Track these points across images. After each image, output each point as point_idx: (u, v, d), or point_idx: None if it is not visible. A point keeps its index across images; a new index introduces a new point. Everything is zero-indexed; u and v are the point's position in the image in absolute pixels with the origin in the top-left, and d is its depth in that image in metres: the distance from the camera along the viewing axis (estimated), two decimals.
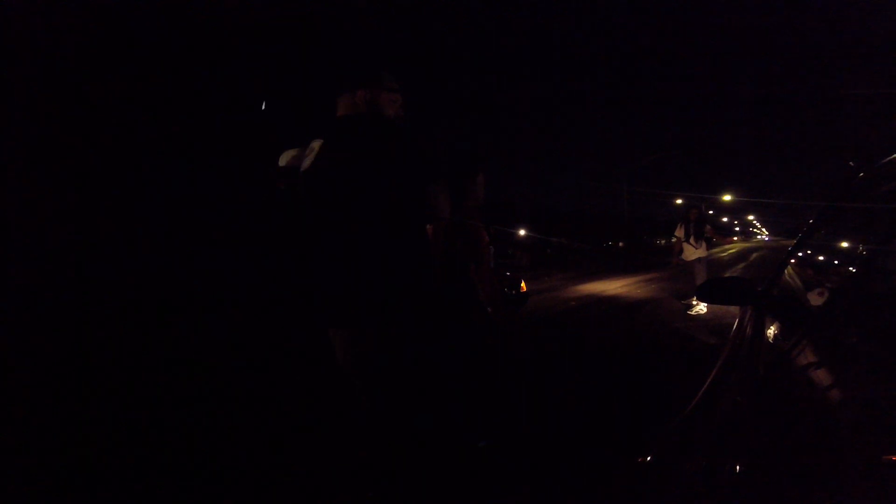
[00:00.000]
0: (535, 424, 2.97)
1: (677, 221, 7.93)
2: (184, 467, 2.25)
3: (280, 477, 2.20)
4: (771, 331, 1.40)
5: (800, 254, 1.90)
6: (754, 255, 30.49)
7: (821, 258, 1.79)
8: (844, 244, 1.56)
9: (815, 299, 1.43)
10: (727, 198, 36.56)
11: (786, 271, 1.86)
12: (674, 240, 8.01)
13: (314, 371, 3.18)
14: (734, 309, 2.01)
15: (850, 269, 1.37)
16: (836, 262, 1.62)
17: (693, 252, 7.44)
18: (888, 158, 1.27)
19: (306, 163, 1.77)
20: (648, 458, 1.24)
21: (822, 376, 1.09)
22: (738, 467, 0.97)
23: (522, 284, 6.33)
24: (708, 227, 7.58)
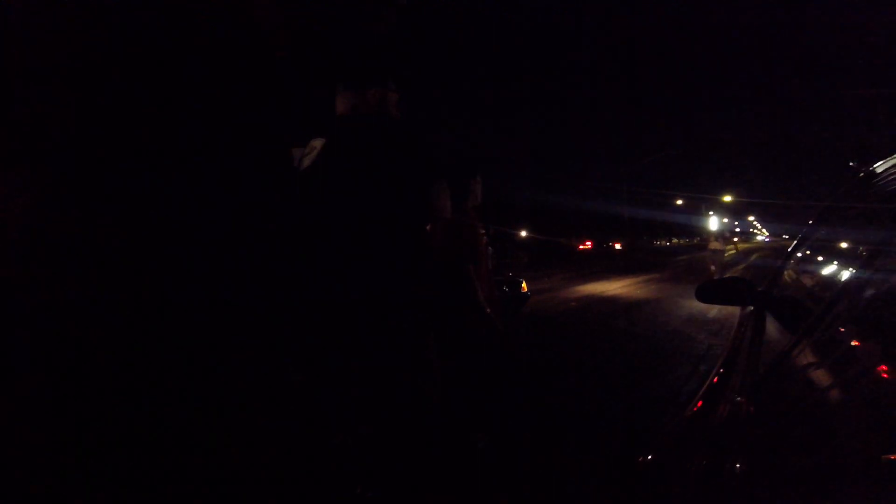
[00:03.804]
0: (536, 424, 2.97)
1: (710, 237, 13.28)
2: (182, 467, 2.25)
3: (279, 477, 2.20)
4: (771, 331, 1.40)
5: (799, 255, 1.90)
6: (754, 255, 30.53)
7: (820, 259, 1.79)
8: (844, 244, 1.56)
9: (813, 303, 1.43)
10: (727, 198, 36.58)
11: (785, 273, 1.86)
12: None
13: (311, 372, 3.18)
14: (733, 310, 2.01)
15: (851, 269, 1.37)
16: (835, 262, 1.62)
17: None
18: (888, 159, 1.27)
19: (306, 161, 1.76)
20: (648, 459, 1.24)
21: (822, 376, 1.09)
22: (737, 468, 0.97)
23: (523, 285, 6.33)
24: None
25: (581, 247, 34.91)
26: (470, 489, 2.09)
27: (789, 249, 1.93)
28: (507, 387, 3.70)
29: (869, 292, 1.16)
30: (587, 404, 3.36)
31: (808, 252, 1.88)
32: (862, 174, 1.40)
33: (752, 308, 1.70)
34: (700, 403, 1.35)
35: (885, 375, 0.93)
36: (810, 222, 1.92)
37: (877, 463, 0.71)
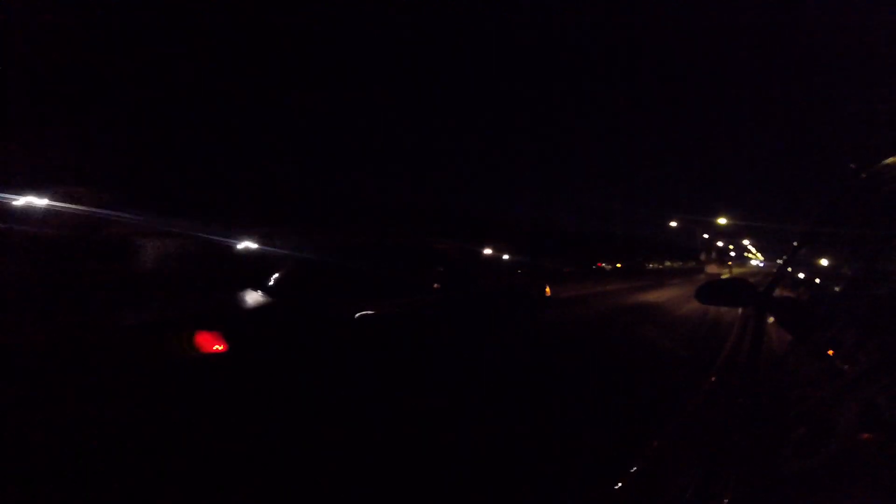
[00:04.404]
0: (536, 425, 2.94)
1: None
2: (185, 467, 2.23)
3: (281, 477, 2.17)
4: (771, 331, 1.40)
5: (794, 264, 1.91)
6: (750, 280, 30.67)
7: (815, 264, 1.81)
8: (843, 247, 1.57)
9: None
10: (722, 221, 36.72)
11: (781, 279, 1.87)
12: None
13: (311, 372, 3.17)
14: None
15: (849, 271, 1.38)
16: (832, 265, 1.63)
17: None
18: (888, 160, 1.28)
19: None
20: (649, 458, 1.23)
21: (821, 376, 1.09)
22: (737, 467, 0.96)
23: (547, 289, 6.42)
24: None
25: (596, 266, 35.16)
26: (470, 489, 2.06)
27: (786, 257, 1.94)
28: (508, 386, 3.71)
29: (868, 294, 1.17)
30: (588, 405, 3.34)
31: (803, 258, 1.89)
32: (863, 176, 1.41)
33: (752, 309, 1.70)
34: (700, 403, 1.34)
35: (885, 375, 0.93)
36: (795, 244, 1.93)
37: (876, 463, 0.70)
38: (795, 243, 1.88)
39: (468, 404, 3.24)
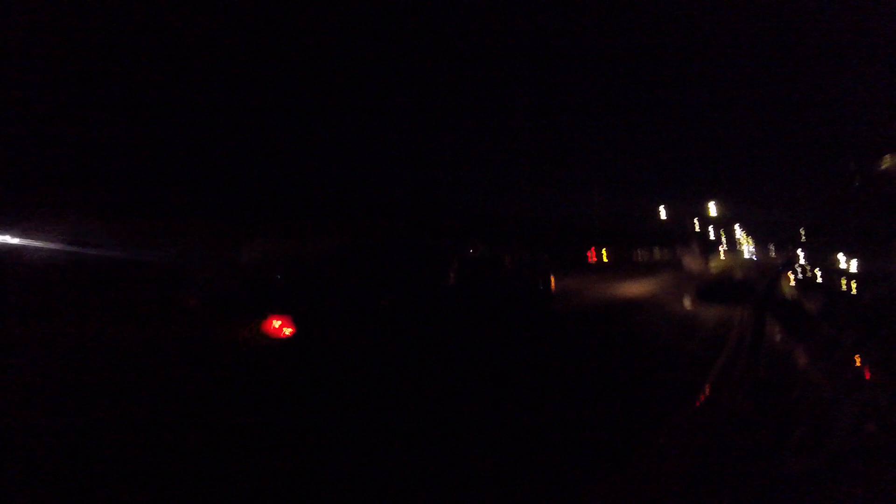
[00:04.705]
0: (537, 424, 2.95)
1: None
2: (185, 467, 2.23)
3: (281, 477, 2.17)
4: (771, 331, 1.40)
5: (794, 265, 1.92)
6: (739, 273, 30.45)
7: (816, 264, 1.81)
8: (843, 248, 1.57)
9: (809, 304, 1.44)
10: (712, 210, 36.61)
11: (781, 279, 1.88)
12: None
13: (315, 372, 3.18)
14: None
15: (850, 272, 1.38)
16: (833, 266, 1.63)
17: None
18: (887, 161, 1.28)
19: None
20: (649, 457, 1.24)
21: (822, 377, 1.09)
22: (738, 467, 0.96)
23: (552, 283, 6.47)
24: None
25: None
26: (469, 489, 2.06)
27: (785, 258, 1.95)
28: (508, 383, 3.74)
29: (868, 295, 1.17)
30: (587, 403, 3.34)
31: (803, 260, 1.89)
32: (862, 175, 1.41)
33: (752, 309, 1.71)
34: (701, 403, 1.35)
35: (883, 376, 0.93)
36: (801, 240, 1.94)
37: (874, 463, 0.71)
38: (802, 237, 1.89)
39: (468, 400, 3.25)
